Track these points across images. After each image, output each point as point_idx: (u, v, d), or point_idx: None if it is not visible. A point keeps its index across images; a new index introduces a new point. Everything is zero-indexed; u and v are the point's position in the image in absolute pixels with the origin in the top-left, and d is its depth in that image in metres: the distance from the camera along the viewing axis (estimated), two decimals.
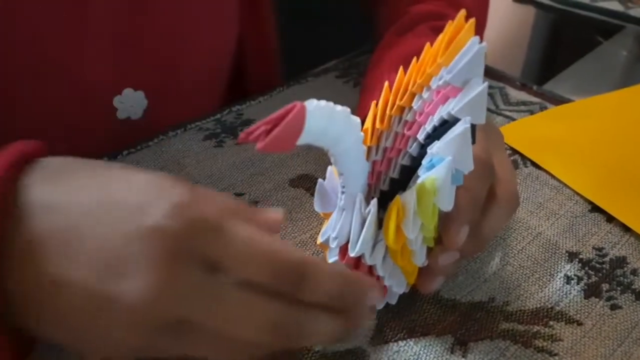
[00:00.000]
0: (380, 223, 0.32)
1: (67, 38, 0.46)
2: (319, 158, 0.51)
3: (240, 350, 0.27)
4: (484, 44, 0.29)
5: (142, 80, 0.52)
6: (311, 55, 0.68)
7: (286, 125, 0.24)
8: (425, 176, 0.30)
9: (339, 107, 0.27)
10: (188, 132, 0.55)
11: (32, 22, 0.44)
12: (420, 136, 0.33)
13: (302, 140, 0.26)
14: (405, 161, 0.35)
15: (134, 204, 0.25)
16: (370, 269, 0.33)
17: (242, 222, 0.26)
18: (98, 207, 0.26)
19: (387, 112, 0.35)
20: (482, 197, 0.35)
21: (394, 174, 0.36)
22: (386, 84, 0.36)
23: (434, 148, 0.31)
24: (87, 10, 0.46)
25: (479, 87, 0.30)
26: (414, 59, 0.35)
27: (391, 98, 0.35)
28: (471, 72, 0.30)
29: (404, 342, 0.36)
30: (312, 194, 0.48)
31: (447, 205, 0.31)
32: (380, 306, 0.36)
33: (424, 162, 0.32)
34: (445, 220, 0.33)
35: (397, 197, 0.30)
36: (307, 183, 0.49)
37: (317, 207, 0.34)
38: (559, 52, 1.24)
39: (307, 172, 0.50)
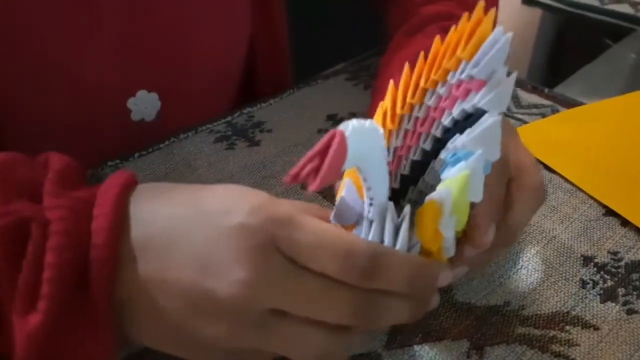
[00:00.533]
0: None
1: (80, 41, 0.46)
2: None
3: (325, 342, 0.29)
4: (510, 33, 0.29)
5: (156, 81, 0.52)
6: (320, 57, 0.68)
7: (332, 158, 0.24)
8: (456, 171, 0.30)
9: (367, 123, 0.26)
10: (199, 134, 0.55)
11: (44, 27, 0.44)
12: (436, 131, 0.33)
13: (347, 165, 0.25)
14: (417, 156, 0.35)
15: (220, 209, 0.29)
16: None
17: (313, 217, 0.28)
18: (190, 215, 0.29)
19: (398, 111, 0.34)
20: (501, 193, 0.35)
21: (405, 170, 0.36)
22: (391, 83, 0.35)
23: (459, 141, 0.30)
24: (99, 13, 0.46)
25: (506, 77, 0.29)
26: (421, 55, 0.34)
27: (400, 96, 0.35)
28: (496, 64, 0.30)
29: (419, 346, 0.36)
30: (324, 197, 0.48)
31: (478, 196, 0.31)
32: None
33: (445, 156, 0.31)
34: (470, 223, 0.33)
35: (432, 198, 0.29)
36: None
37: (336, 221, 0.32)
38: (564, 55, 1.24)
39: None
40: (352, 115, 0.58)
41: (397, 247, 0.30)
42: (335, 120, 0.57)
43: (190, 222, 0.29)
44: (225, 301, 0.27)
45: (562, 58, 1.24)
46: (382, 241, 0.30)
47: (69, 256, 0.27)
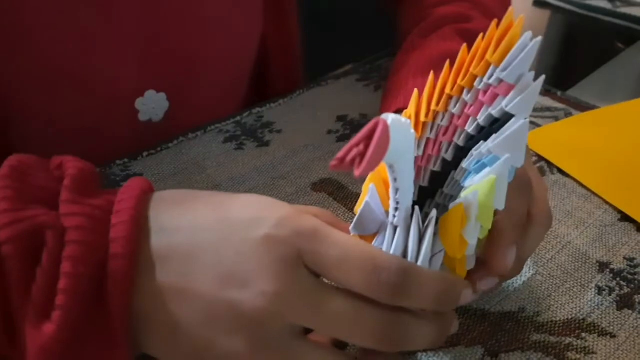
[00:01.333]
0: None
1: (89, 40, 0.46)
2: None
3: None
4: (539, 38, 0.28)
5: (165, 82, 0.52)
6: (331, 57, 0.67)
7: (376, 144, 0.23)
8: (481, 177, 0.29)
9: (403, 119, 0.26)
10: (208, 134, 0.54)
11: (57, 28, 0.44)
12: (459, 139, 0.33)
13: (387, 158, 0.25)
14: (437, 167, 0.34)
15: (245, 220, 0.28)
16: None
17: (339, 231, 0.28)
18: (215, 225, 0.28)
19: (422, 119, 0.34)
20: (524, 215, 0.34)
21: (424, 182, 0.35)
22: (415, 91, 0.35)
23: (484, 147, 0.30)
24: (112, 15, 0.46)
25: (534, 81, 0.29)
26: (447, 62, 0.34)
27: (424, 104, 0.34)
28: (524, 67, 0.29)
29: (433, 352, 0.35)
30: (335, 199, 0.47)
31: (502, 204, 0.30)
32: None
33: (468, 164, 0.31)
34: (490, 245, 0.32)
35: (460, 203, 0.29)
36: (329, 187, 0.48)
37: (356, 231, 0.31)
38: (574, 58, 1.23)
39: (329, 176, 0.49)
40: (363, 116, 0.57)
41: (422, 253, 0.29)
42: (346, 121, 0.57)
43: (214, 232, 0.28)
44: (247, 314, 0.26)
45: (572, 61, 1.24)
46: (406, 247, 0.29)
47: (86, 266, 0.26)
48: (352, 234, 0.32)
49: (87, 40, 0.46)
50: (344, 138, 0.54)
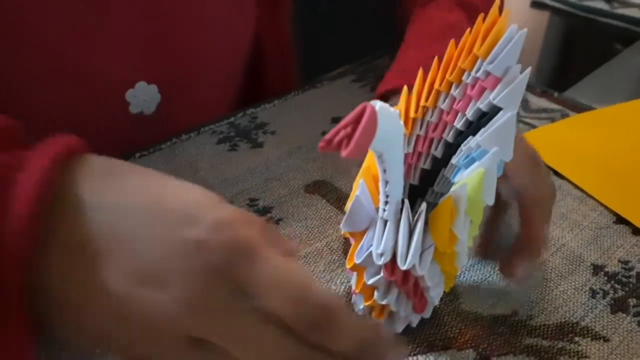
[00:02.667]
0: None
1: (87, 33, 0.46)
2: (336, 164, 0.50)
3: None
4: (524, 29, 0.29)
5: (156, 74, 0.51)
6: (328, 58, 0.67)
7: (364, 126, 0.23)
8: (470, 172, 0.29)
9: (391, 108, 0.26)
10: (201, 135, 0.54)
11: (49, 21, 0.44)
12: (448, 135, 0.32)
13: (375, 144, 0.25)
14: (428, 165, 0.34)
15: (179, 213, 0.25)
16: (416, 282, 0.31)
17: (277, 251, 0.25)
18: (144, 211, 0.25)
19: (411, 114, 0.34)
20: (549, 186, 0.38)
21: (414, 180, 0.35)
22: (405, 88, 0.35)
23: (473, 142, 0.30)
24: (107, 6, 0.46)
25: (521, 73, 0.29)
26: (435, 59, 0.34)
27: (414, 100, 0.34)
28: (511, 60, 0.29)
29: (424, 356, 0.35)
30: (328, 200, 0.47)
31: (491, 198, 0.30)
32: (414, 324, 0.35)
33: (457, 160, 0.31)
34: (525, 223, 0.36)
35: (450, 196, 0.29)
36: (322, 189, 0.48)
37: (347, 227, 0.31)
38: (573, 59, 1.23)
39: (323, 177, 0.49)
40: None
41: (412, 247, 0.29)
42: None
43: (142, 220, 0.25)
44: (159, 317, 0.24)
45: (570, 62, 1.23)
46: (396, 241, 0.29)
47: None
48: (342, 232, 0.32)
49: (80, 30, 0.46)
50: None
